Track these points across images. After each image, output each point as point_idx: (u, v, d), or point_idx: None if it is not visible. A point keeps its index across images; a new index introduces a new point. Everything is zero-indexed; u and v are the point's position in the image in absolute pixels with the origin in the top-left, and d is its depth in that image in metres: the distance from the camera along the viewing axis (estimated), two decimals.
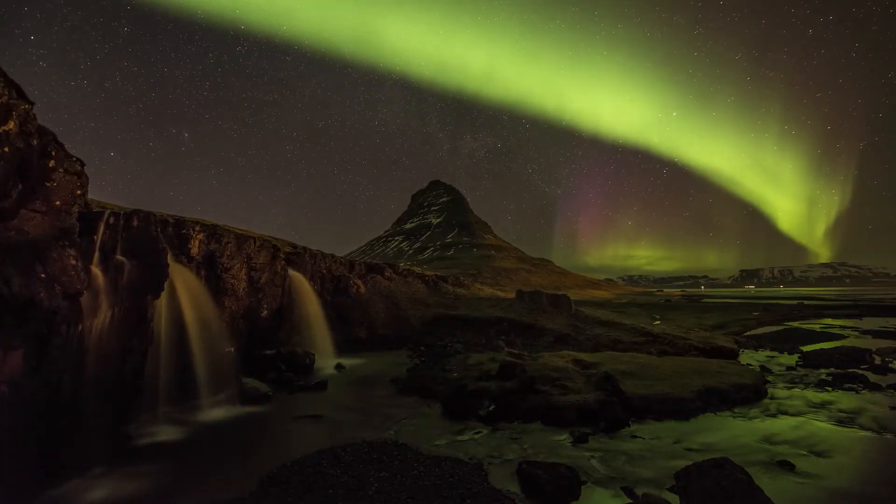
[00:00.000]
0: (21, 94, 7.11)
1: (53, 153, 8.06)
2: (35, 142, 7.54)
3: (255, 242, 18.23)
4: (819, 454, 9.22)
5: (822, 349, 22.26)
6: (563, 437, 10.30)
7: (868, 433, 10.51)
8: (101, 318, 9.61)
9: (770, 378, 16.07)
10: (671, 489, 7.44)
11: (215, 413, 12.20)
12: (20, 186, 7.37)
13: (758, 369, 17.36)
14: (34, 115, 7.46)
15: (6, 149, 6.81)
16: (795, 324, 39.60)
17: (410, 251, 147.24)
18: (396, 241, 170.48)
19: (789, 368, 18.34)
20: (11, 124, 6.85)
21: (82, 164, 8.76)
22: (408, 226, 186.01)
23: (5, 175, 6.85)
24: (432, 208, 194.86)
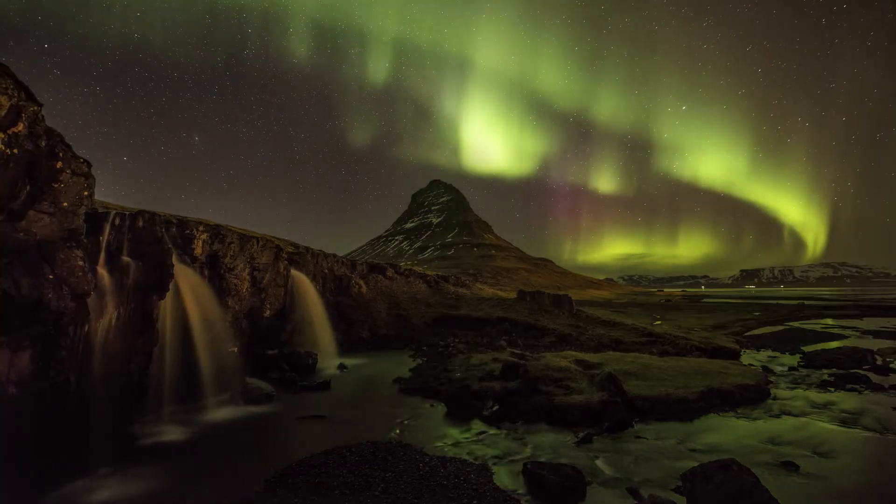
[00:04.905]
0: (30, 96, 7.13)
1: (61, 154, 8.07)
2: (43, 143, 7.56)
3: (257, 242, 18.25)
4: (823, 455, 9.25)
5: (823, 349, 22.28)
6: (568, 438, 10.33)
7: (871, 434, 10.54)
8: (107, 318, 9.65)
9: (772, 378, 16.09)
10: (676, 490, 7.48)
11: (220, 413, 12.23)
12: (28, 188, 7.40)
13: (760, 370, 17.38)
14: (42, 116, 7.48)
15: (15, 150, 6.83)
16: (796, 324, 39.63)
17: (411, 251, 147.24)
18: (397, 240, 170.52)
19: (791, 369, 18.37)
20: (21, 126, 6.87)
21: (89, 166, 8.78)
22: (408, 225, 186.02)
23: (14, 176, 6.88)
24: (433, 208, 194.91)
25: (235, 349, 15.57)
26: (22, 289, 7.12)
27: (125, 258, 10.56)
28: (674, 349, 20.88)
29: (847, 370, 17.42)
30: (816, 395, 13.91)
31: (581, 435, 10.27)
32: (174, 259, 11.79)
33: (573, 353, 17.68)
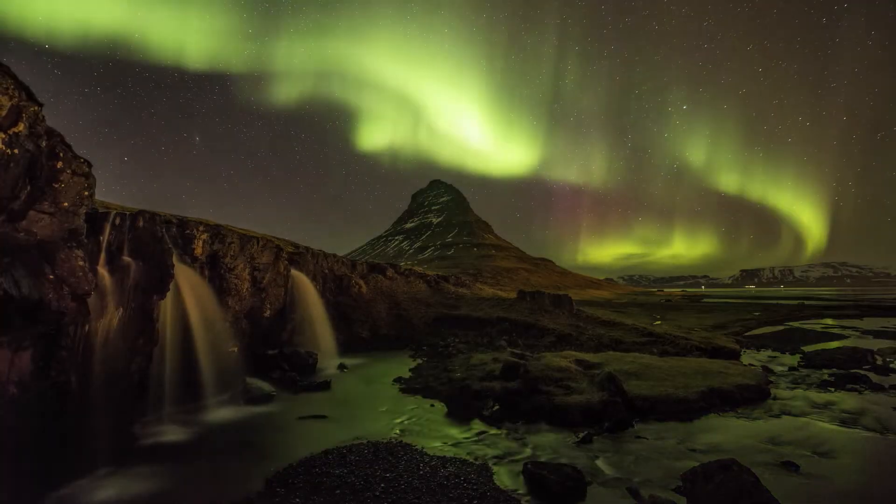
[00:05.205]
0: (31, 96, 7.14)
1: (61, 154, 8.08)
2: (44, 143, 7.57)
3: (258, 242, 18.26)
4: (823, 455, 9.25)
5: (823, 349, 22.29)
6: (568, 438, 10.33)
7: (872, 434, 10.54)
8: (107, 318, 9.66)
9: (772, 378, 16.10)
10: (677, 490, 7.48)
11: (220, 413, 12.24)
12: (29, 188, 7.41)
13: (760, 370, 17.37)
14: (43, 116, 7.49)
15: (16, 150, 6.83)
16: (796, 324, 39.63)
17: (411, 251, 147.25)
18: (397, 240, 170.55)
19: (791, 369, 18.38)
20: (21, 126, 6.88)
21: (89, 166, 8.79)
22: (408, 225, 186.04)
23: (15, 176, 6.88)
24: (433, 208, 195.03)
25: (236, 349, 15.58)
26: (23, 289, 7.12)
27: (126, 258, 10.57)
28: (674, 349, 20.89)
29: (847, 370, 17.43)
30: (816, 395, 13.91)
31: (581, 435, 10.27)
32: (174, 259, 11.79)
33: (573, 353, 17.68)
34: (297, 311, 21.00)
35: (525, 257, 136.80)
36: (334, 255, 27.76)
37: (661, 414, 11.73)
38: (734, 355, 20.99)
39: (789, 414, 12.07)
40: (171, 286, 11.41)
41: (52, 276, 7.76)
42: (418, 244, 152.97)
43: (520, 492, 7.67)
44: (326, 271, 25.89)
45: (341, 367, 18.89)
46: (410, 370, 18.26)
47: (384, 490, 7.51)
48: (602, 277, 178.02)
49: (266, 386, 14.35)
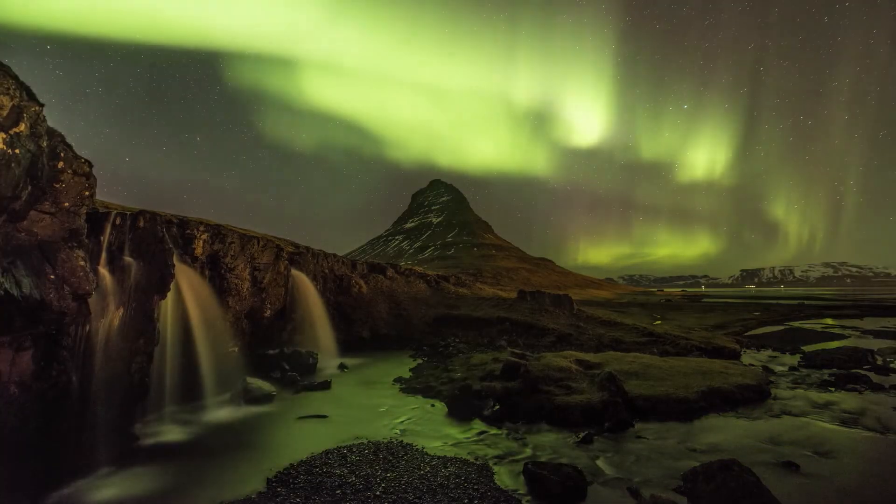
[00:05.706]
0: (32, 96, 7.14)
1: (62, 154, 8.09)
2: (45, 143, 7.57)
3: (258, 242, 18.27)
4: (824, 455, 9.25)
5: (823, 349, 22.29)
6: (568, 438, 10.34)
7: (872, 434, 10.54)
8: (108, 318, 9.66)
9: (773, 378, 16.09)
10: (677, 490, 7.48)
11: (220, 413, 12.26)
12: (30, 188, 7.40)
13: (760, 370, 17.37)
14: (44, 116, 7.50)
15: (17, 150, 6.84)
16: (796, 324, 39.66)
17: (411, 250, 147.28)
18: (397, 240, 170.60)
19: (791, 369, 18.38)
20: (23, 126, 6.88)
21: (90, 166, 8.79)
22: (408, 225, 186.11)
23: (16, 176, 6.89)
24: (433, 207, 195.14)
25: (236, 349, 15.59)
26: (24, 289, 7.13)
27: (126, 258, 10.57)
28: (674, 349, 20.90)
29: (847, 370, 17.42)
30: (817, 395, 13.91)
31: (582, 435, 10.28)
32: (175, 259, 11.80)
33: (574, 352, 17.67)
34: (297, 311, 21.00)
35: (525, 257, 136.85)
36: (334, 255, 27.76)
37: (662, 414, 11.72)
38: (734, 355, 21.00)
39: (789, 414, 12.07)
40: (172, 286, 11.42)
41: (53, 276, 7.76)
42: (418, 244, 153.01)
43: (520, 492, 7.68)
44: (326, 271, 25.89)
45: (342, 366, 18.89)
46: (411, 370, 18.26)
47: (385, 490, 7.52)
48: (602, 277, 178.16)
49: (266, 386, 14.35)
